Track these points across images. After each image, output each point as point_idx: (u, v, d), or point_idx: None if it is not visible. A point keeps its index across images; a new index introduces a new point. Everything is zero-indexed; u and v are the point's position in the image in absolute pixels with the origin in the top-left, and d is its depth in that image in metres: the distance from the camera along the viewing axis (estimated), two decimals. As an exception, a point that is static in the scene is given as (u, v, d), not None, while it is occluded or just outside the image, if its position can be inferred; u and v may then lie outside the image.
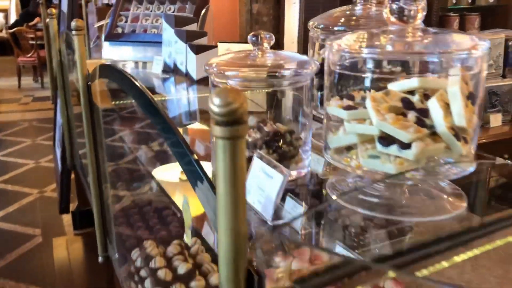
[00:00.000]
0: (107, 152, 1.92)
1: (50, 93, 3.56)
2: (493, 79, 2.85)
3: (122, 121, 2.46)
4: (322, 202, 1.02)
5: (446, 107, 0.81)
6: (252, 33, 1.02)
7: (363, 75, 0.86)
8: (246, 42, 1.10)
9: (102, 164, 1.86)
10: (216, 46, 2.11)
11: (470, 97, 0.82)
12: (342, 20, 1.21)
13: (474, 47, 0.80)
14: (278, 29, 4.92)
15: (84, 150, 1.99)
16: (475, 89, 0.83)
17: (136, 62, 2.55)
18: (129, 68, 2.47)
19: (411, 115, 0.80)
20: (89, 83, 1.76)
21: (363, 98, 0.85)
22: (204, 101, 1.89)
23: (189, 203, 1.07)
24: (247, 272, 0.58)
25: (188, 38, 2.11)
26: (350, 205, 0.87)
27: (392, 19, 0.85)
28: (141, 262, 1.54)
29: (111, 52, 2.63)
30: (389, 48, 0.86)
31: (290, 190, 0.94)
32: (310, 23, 1.25)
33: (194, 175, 0.78)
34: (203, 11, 2.48)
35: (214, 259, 1.50)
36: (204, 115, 1.81)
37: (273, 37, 1.04)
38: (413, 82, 0.83)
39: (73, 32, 1.77)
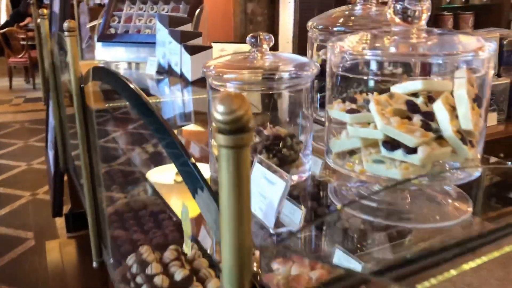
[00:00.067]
0: (100, 154, 1.88)
1: (41, 94, 3.51)
2: (489, 78, 2.84)
3: (115, 122, 2.43)
4: (322, 206, 0.99)
5: (452, 110, 0.78)
6: (251, 34, 0.98)
7: (366, 77, 0.84)
8: (241, 42, 1.06)
9: (95, 166, 1.83)
10: (211, 47, 2.08)
11: (477, 99, 0.80)
12: (341, 20, 1.19)
13: (481, 48, 0.78)
14: (272, 29, 4.90)
15: (77, 152, 1.96)
16: (481, 91, 0.81)
17: (130, 63, 2.52)
18: (122, 69, 2.43)
19: (417, 119, 0.78)
20: (82, 86, 1.73)
21: (366, 101, 0.83)
22: (199, 102, 1.86)
23: (185, 204, 1.04)
24: (252, 286, 0.55)
25: (183, 38, 2.07)
26: (353, 211, 0.85)
27: (396, 19, 0.82)
28: (137, 268, 1.51)
29: (104, 53, 2.59)
30: (393, 50, 0.83)
31: (290, 194, 0.91)
32: (309, 23, 1.22)
33: (193, 180, 0.75)
34: (197, 11, 2.45)
35: (212, 264, 1.47)
36: (199, 116, 1.78)
37: (273, 38, 1.01)
38: (417, 84, 0.81)
39: (66, 33, 1.73)
